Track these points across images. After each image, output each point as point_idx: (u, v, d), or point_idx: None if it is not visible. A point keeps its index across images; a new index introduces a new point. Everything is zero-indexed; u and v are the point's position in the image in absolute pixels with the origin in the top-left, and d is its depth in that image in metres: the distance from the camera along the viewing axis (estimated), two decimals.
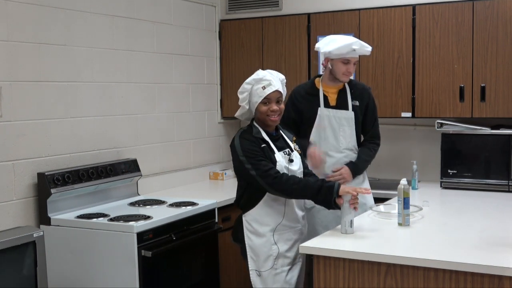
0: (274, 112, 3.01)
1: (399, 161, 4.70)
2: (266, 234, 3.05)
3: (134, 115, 4.27)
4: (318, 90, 3.55)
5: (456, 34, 4.22)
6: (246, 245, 3.09)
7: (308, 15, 4.73)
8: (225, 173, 5.00)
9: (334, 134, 3.53)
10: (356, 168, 3.55)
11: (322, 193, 2.94)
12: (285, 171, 3.02)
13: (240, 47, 5.01)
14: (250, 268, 3.09)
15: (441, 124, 4.29)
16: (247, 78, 3.04)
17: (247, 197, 3.08)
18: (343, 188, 2.92)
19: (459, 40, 4.22)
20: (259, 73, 3.06)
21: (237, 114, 3.15)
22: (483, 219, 3.28)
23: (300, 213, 3.17)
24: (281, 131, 3.18)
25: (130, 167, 4.03)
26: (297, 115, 3.55)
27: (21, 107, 3.44)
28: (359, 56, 3.54)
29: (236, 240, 3.19)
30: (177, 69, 4.68)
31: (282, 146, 3.12)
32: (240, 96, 3.06)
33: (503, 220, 3.26)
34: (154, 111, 4.45)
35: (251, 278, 3.09)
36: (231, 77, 5.07)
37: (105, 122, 4.01)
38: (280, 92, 3.03)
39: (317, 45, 3.59)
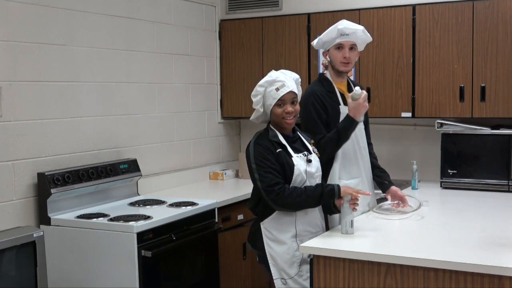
0: (289, 113, 2.94)
1: (399, 161, 4.70)
2: (288, 240, 2.98)
3: (134, 115, 4.27)
4: (334, 87, 3.37)
5: (456, 34, 4.22)
6: (267, 253, 3.01)
7: (308, 15, 4.73)
8: (225, 173, 5.00)
9: (355, 134, 3.36)
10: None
11: (324, 198, 2.93)
12: (304, 175, 2.96)
13: (240, 47, 5.01)
14: (274, 277, 3.00)
15: (441, 124, 4.29)
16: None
17: (264, 203, 2.99)
18: (344, 190, 2.91)
19: (459, 40, 4.22)
20: (272, 74, 2.98)
21: (252, 118, 3.08)
22: (483, 219, 3.28)
23: (320, 218, 3.12)
24: (298, 133, 3.10)
25: (130, 167, 4.03)
26: (326, 115, 3.31)
27: (21, 107, 3.44)
28: (362, 46, 3.40)
29: (255, 247, 3.09)
30: (177, 69, 4.68)
31: (300, 148, 3.04)
32: (254, 99, 2.99)
33: (503, 220, 3.26)
34: (154, 111, 4.45)
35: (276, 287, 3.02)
36: (231, 77, 5.07)
37: (105, 122, 4.01)
38: (294, 93, 2.96)
39: (312, 42, 3.48)
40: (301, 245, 2.80)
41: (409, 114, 4.40)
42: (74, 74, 3.78)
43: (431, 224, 3.18)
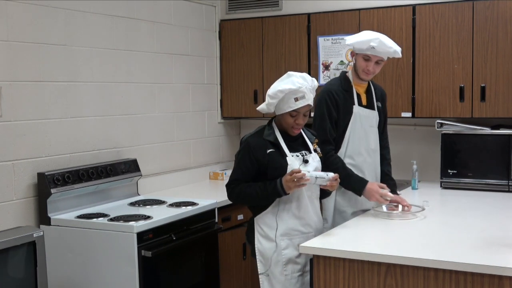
0: (299, 125, 2.95)
1: (399, 161, 4.69)
2: (276, 238, 2.99)
3: (134, 115, 4.27)
4: (352, 87, 3.43)
5: (456, 34, 4.22)
6: (256, 248, 3.04)
7: (308, 15, 4.73)
8: (225, 173, 5.00)
9: (365, 134, 3.44)
10: (396, 189, 3.58)
11: (269, 196, 2.94)
12: None
13: (240, 47, 5.01)
14: (259, 272, 3.03)
15: (441, 124, 4.29)
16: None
17: None
18: (287, 186, 2.87)
19: (459, 40, 4.22)
20: (296, 82, 2.88)
21: (259, 108, 3.01)
22: (483, 219, 3.28)
23: (314, 219, 3.08)
24: (302, 131, 3.08)
25: (130, 167, 4.03)
26: (337, 113, 3.38)
27: (21, 107, 3.44)
28: (388, 57, 3.43)
29: (248, 241, 3.14)
30: (177, 69, 4.68)
31: (297, 147, 3.03)
32: (270, 100, 2.93)
33: (503, 220, 3.26)
34: (154, 111, 4.45)
35: (260, 283, 3.03)
36: (231, 77, 5.07)
37: (105, 122, 4.01)
38: (310, 106, 2.94)
39: (346, 38, 3.49)
40: (301, 245, 2.80)
41: (409, 114, 4.40)
42: (74, 74, 3.78)
43: (431, 224, 3.18)
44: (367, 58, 3.35)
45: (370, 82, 3.56)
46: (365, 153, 3.44)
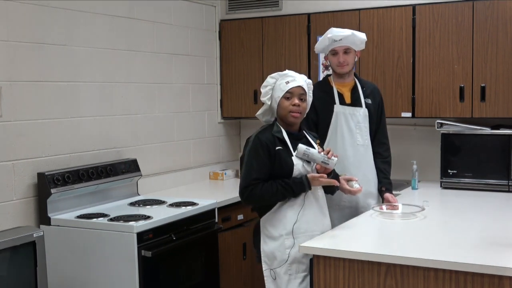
0: (296, 106, 2.96)
1: (399, 161, 4.68)
2: (280, 237, 2.98)
3: (134, 115, 4.27)
4: (332, 87, 3.53)
5: (456, 34, 4.22)
6: (261, 249, 3.04)
7: (308, 15, 4.73)
8: (225, 173, 5.00)
9: (350, 131, 3.50)
10: (391, 188, 3.63)
11: (294, 189, 2.94)
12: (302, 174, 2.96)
13: (240, 47, 5.01)
14: (265, 274, 3.03)
15: (441, 124, 4.29)
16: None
17: None
18: (313, 179, 2.94)
19: (459, 40, 4.22)
20: (283, 71, 3.07)
21: (258, 113, 3.13)
22: (483, 219, 3.28)
23: (321, 218, 3.06)
24: (304, 132, 3.12)
25: (130, 167, 4.03)
26: (315, 115, 3.47)
27: (21, 107, 3.44)
28: (361, 45, 3.53)
29: (254, 246, 3.13)
30: (177, 69, 4.68)
31: None
32: (263, 90, 3.05)
33: (503, 220, 3.26)
34: (154, 111, 4.45)
35: (265, 283, 3.03)
36: (231, 77, 5.07)
37: (105, 122, 4.01)
38: (303, 89, 3.00)
39: (314, 48, 3.68)
40: (301, 245, 2.80)
41: (409, 114, 4.40)
42: (74, 74, 3.78)
43: (431, 224, 3.18)
44: (334, 53, 3.50)
45: (357, 81, 3.60)
46: (351, 149, 3.49)
